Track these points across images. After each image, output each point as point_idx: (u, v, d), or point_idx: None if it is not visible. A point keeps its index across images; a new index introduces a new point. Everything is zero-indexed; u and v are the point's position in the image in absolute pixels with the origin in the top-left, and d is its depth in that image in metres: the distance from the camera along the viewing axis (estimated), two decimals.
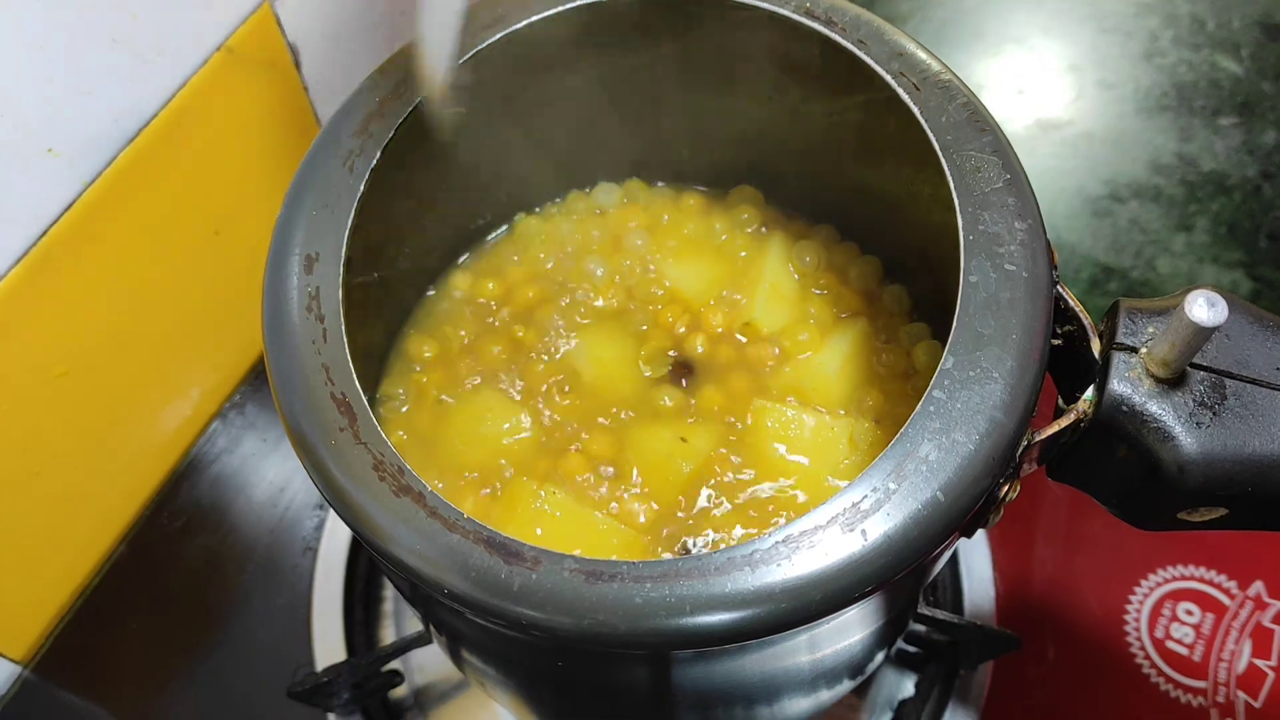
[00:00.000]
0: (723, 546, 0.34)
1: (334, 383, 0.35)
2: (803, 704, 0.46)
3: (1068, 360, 0.36)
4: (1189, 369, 0.34)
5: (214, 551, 0.65)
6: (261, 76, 0.61)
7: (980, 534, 0.61)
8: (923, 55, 0.40)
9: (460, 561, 0.31)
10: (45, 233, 0.51)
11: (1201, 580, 0.61)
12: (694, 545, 0.43)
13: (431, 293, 0.52)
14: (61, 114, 0.50)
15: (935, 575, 0.57)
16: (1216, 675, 0.58)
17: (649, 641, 0.30)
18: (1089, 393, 0.34)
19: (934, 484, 0.31)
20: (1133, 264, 0.75)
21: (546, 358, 0.49)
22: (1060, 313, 0.36)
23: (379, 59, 0.43)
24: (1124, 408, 0.33)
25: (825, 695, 0.48)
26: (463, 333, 0.50)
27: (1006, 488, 0.34)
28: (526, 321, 0.50)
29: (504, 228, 0.54)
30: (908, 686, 0.60)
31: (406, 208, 0.46)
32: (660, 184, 0.55)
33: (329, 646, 0.60)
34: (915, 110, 0.39)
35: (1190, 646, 0.59)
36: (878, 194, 0.48)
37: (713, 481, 0.45)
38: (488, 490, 0.45)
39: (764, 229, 0.52)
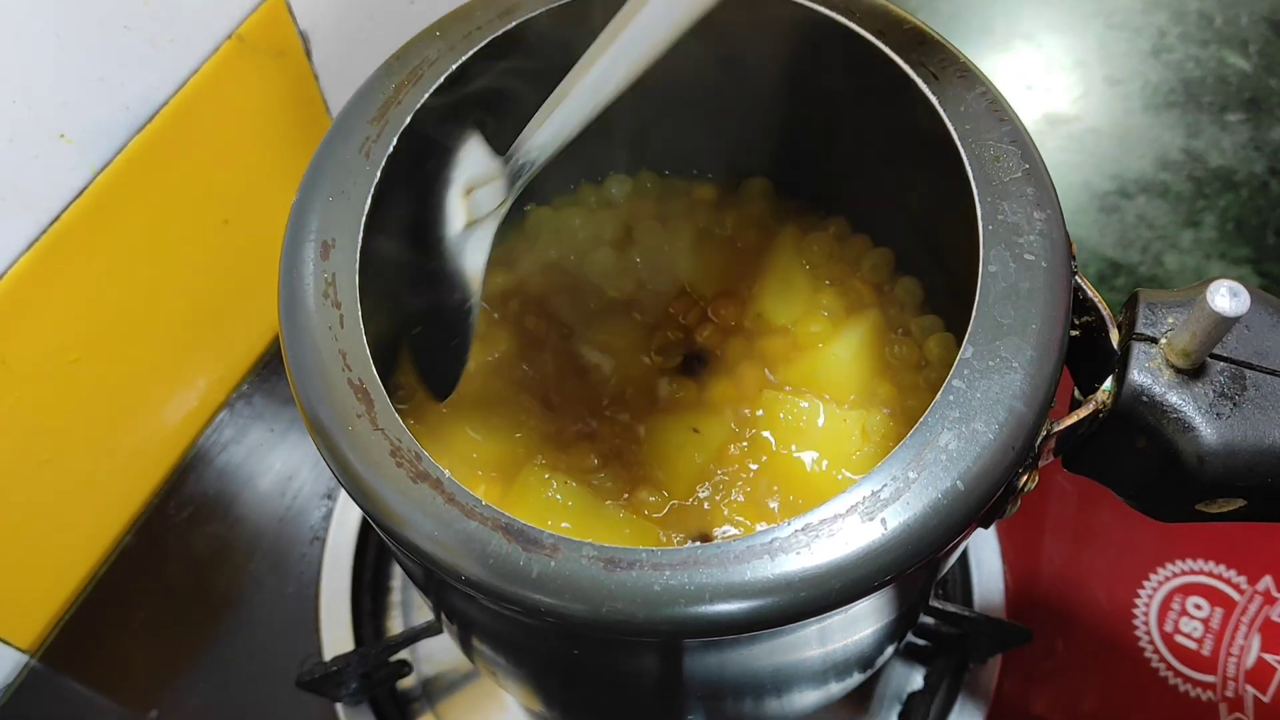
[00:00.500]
0: (741, 534, 0.34)
1: (351, 369, 0.35)
2: (812, 696, 0.46)
3: (1085, 351, 0.36)
4: (1209, 360, 0.33)
5: (221, 541, 0.65)
6: (272, 65, 0.61)
7: (990, 527, 0.61)
8: (941, 44, 0.40)
9: (478, 548, 0.31)
10: (57, 219, 0.51)
11: (1210, 575, 0.61)
12: (716, 534, 0.43)
13: None
14: (74, 100, 0.50)
15: (948, 569, 0.57)
16: (1225, 670, 0.58)
17: (667, 629, 0.30)
18: (1108, 383, 0.34)
19: (954, 473, 0.31)
20: (1140, 259, 0.75)
21: (557, 349, 0.49)
22: (1078, 303, 0.36)
23: (390, 48, 0.42)
24: (1144, 398, 0.33)
25: (835, 688, 0.48)
26: None
27: (1025, 478, 0.34)
28: (537, 312, 0.50)
29: (515, 219, 0.53)
30: (916, 679, 0.60)
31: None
32: (671, 175, 0.55)
33: (336, 636, 0.60)
34: (934, 100, 0.39)
35: (1199, 641, 0.59)
36: (891, 185, 0.47)
37: (724, 472, 0.45)
38: (499, 480, 0.45)
39: (776, 221, 0.52)
